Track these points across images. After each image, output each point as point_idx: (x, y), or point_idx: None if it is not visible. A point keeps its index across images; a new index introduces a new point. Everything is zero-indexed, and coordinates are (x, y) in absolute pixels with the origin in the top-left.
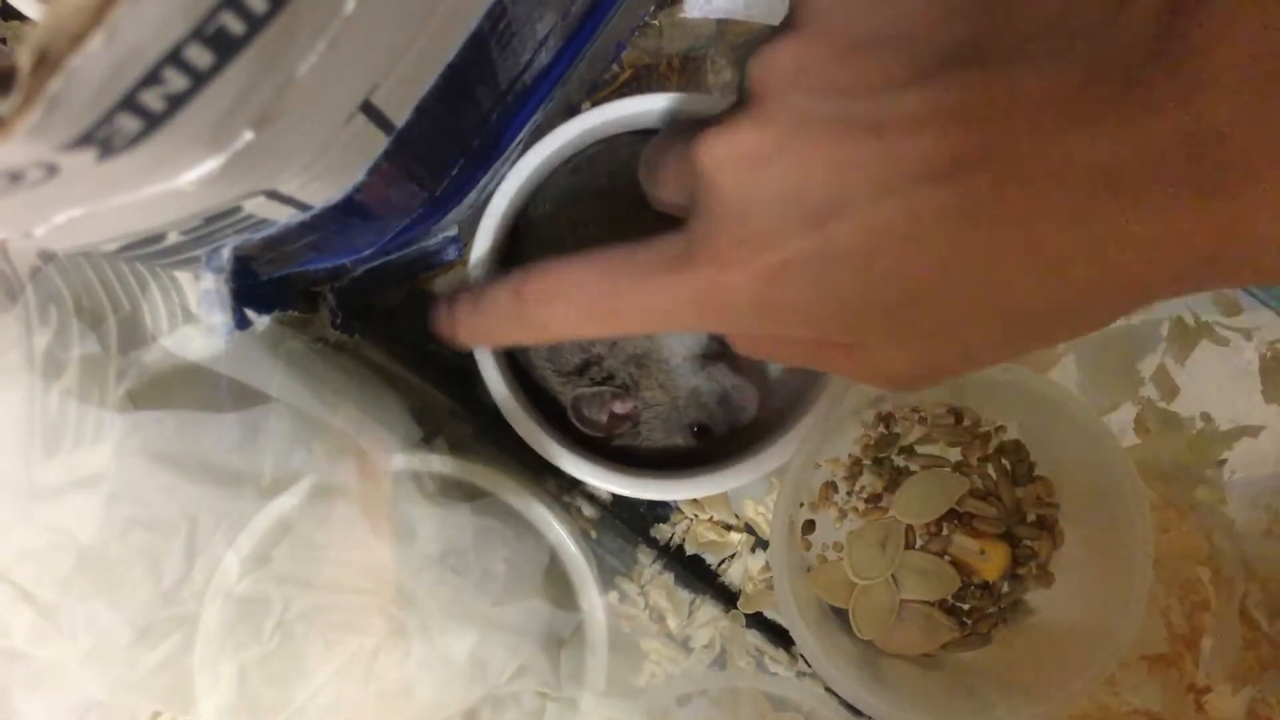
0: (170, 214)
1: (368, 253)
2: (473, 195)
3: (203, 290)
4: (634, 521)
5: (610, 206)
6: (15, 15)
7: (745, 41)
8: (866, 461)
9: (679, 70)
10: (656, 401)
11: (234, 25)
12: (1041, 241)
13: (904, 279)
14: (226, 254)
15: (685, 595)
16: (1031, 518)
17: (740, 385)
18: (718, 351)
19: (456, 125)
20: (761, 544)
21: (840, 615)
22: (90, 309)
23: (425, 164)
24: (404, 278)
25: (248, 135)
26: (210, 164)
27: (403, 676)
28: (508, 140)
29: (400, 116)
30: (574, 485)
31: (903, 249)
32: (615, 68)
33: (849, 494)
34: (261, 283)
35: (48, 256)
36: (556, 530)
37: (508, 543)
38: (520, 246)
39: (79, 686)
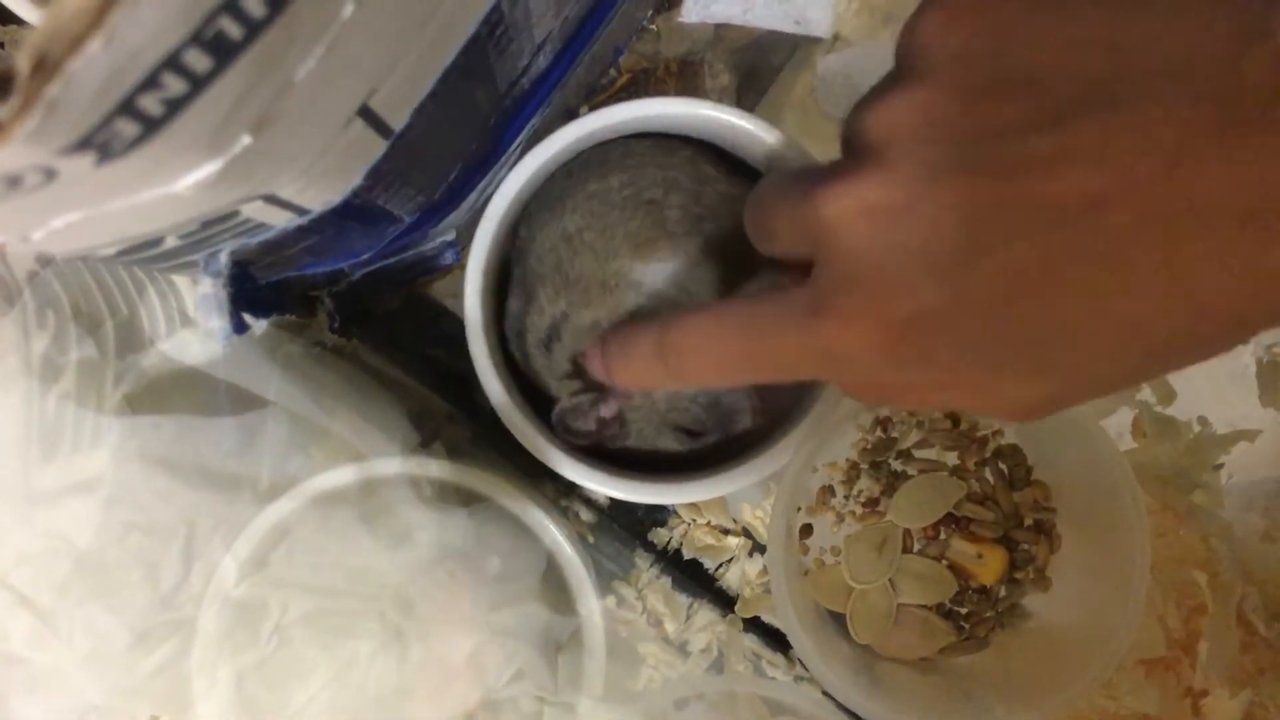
0: (168, 218)
1: (365, 257)
2: (471, 199)
3: (200, 294)
4: (631, 526)
5: (607, 210)
6: (13, 19)
7: (744, 46)
8: (864, 466)
9: (676, 74)
10: (637, 403)
11: (232, 30)
12: (1181, 279)
13: (1039, 322)
14: (224, 258)
15: (683, 599)
16: (1029, 522)
17: (730, 391)
18: None
19: (454, 130)
20: (759, 548)
21: (838, 619)
22: (88, 313)
23: (423, 168)
24: (402, 282)
25: (246, 140)
26: (208, 168)
27: (400, 681)
28: (506, 144)
29: (398, 121)
30: (571, 490)
31: (1039, 293)
32: (613, 72)
33: (846, 498)
34: (259, 287)
35: (45, 261)
36: (554, 534)
37: (505, 547)
38: (519, 251)
39: (77, 691)
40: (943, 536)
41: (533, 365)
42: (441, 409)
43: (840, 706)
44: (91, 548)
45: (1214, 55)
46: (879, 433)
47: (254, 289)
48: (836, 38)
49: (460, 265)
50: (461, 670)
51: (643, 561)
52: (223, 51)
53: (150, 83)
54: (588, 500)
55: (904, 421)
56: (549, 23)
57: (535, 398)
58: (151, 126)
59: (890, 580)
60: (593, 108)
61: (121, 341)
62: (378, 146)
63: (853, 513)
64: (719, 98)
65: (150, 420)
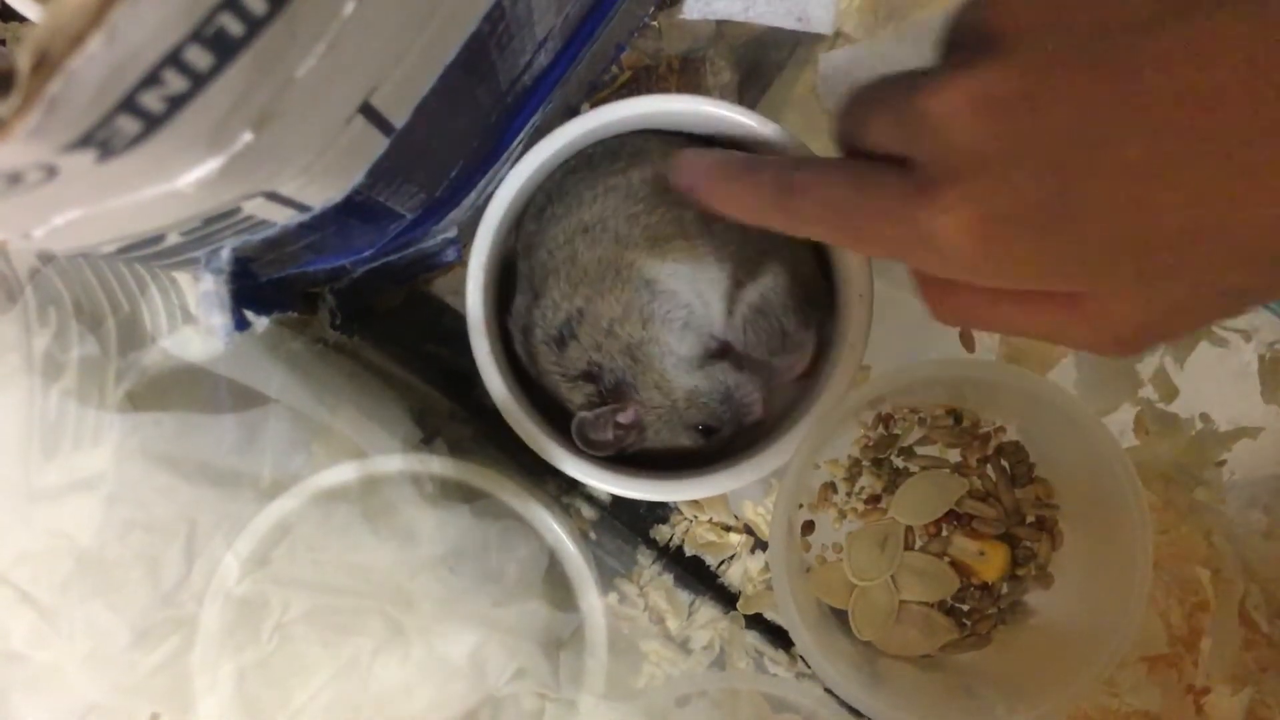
0: (170, 215)
1: (367, 254)
2: (472, 196)
3: (202, 291)
4: (633, 523)
5: (629, 203)
6: (14, 17)
7: (745, 42)
8: (866, 462)
9: (678, 71)
10: (655, 404)
11: (233, 27)
12: None
13: (1154, 222)
14: (226, 255)
15: (684, 596)
16: (1031, 519)
17: (742, 383)
18: (717, 351)
19: (456, 127)
20: (760, 545)
21: (839, 616)
22: (89, 310)
23: (425, 166)
24: (403, 279)
25: (247, 137)
26: (210, 165)
27: (401, 678)
28: (507, 141)
29: (400, 118)
30: (573, 487)
31: (1156, 190)
32: (614, 69)
33: (848, 495)
34: (261, 284)
35: (47, 258)
36: (556, 531)
37: (507, 544)
38: (525, 246)
39: (78, 688)
40: (944, 533)
41: (539, 363)
42: (443, 406)
43: (842, 703)
44: (93, 545)
45: None
46: (881, 429)
47: (255, 286)
48: (838, 34)
49: (462, 262)
50: (463, 668)
51: (644, 558)
52: (224, 49)
53: (151, 80)
54: (589, 497)
55: (906, 418)
56: (550, 20)
57: (537, 395)
58: (152, 124)
59: (892, 577)
60: (594, 105)
61: (123, 339)
62: (379, 144)
63: (854, 510)
64: (720, 95)
65: (152, 417)
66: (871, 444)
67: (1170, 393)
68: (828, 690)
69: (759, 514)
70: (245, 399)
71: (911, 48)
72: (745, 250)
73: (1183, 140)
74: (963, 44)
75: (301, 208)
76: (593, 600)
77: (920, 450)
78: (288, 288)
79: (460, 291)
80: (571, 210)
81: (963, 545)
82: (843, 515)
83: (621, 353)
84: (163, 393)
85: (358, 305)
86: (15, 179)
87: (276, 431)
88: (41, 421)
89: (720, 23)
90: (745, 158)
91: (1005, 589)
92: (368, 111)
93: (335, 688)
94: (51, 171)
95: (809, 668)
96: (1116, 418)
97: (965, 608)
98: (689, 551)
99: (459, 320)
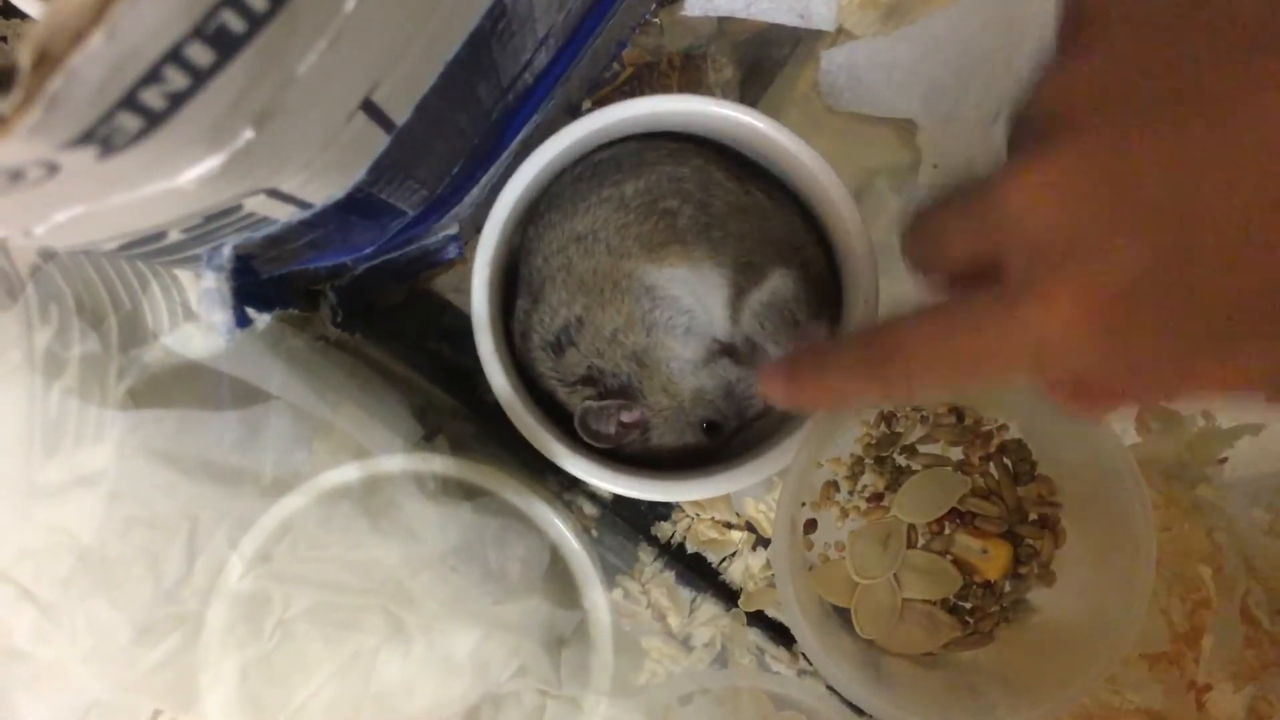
0: (171, 212)
1: (368, 251)
2: (474, 193)
3: (203, 288)
4: (635, 520)
5: (620, 214)
6: (16, 13)
7: (747, 39)
8: (868, 460)
9: (680, 68)
10: (662, 406)
11: (234, 23)
12: None
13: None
14: (227, 252)
15: (686, 594)
16: (1033, 517)
17: (743, 376)
18: (718, 349)
19: (457, 124)
20: (762, 542)
21: (842, 614)
22: (91, 307)
23: (426, 163)
24: (405, 276)
25: (248, 133)
26: (211, 162)
27: (403, 675)
28: (509, 139)
29: (401, 115)
30: (574, 484)
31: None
32: (616, 66)
33: (851, 493)
34: (262, 281)
35: (48, 255)
36: (558, 528)
37: (509, 541)
38: (526, 250)
39: (80, 685)
40: (947, 531)
41: (537, 368)
42: (445, 403)
43: (844, 701)
44: (94, 542)
45: None
46: (883, 428)
47: (257, 283)
48: (840, 31)
49: (463, 259)
50: (464, 665)
51: (646, 556)
52: (225, 45)
53: (152, 77)
54: (591, 494)
55: (908, 416)
56: (552, 16)
57: (539, 392)
58: (153, 120)
59: (895, 575)
60: (596, 102)
61: (125, 336)
62: (380, 140)
63: (857, 508)
64: (722, 92)
65: (153, 414)
66: (874, 442)
67: None
68: (830, 688)
69: (760, 511)
70: (246, 396)
71: (913, 45)
72: (746, 256)
73: None
74: (1030, 133)
75: (303, 205)
76: (597, 597)
77: (923, 448)
78: (289, 285)
79: (461, 289)
80: (566, 218)
81: (965, 543)
82: (845, 513)
83: (627, 359)
84: (164, 390)
85: (359, 302)
86: (16, 176)
87: (278, 428)
88: (43, 418)
89: (722, 19)
90: (817, 348)
91: (1008, 587)
92: (369, 108)
93: (337, 685)
94: (53, 168)
95: (811, 665)
96: (1118, 415)
97: (968, 606)
98: (690, 549)
99: (460, 317)
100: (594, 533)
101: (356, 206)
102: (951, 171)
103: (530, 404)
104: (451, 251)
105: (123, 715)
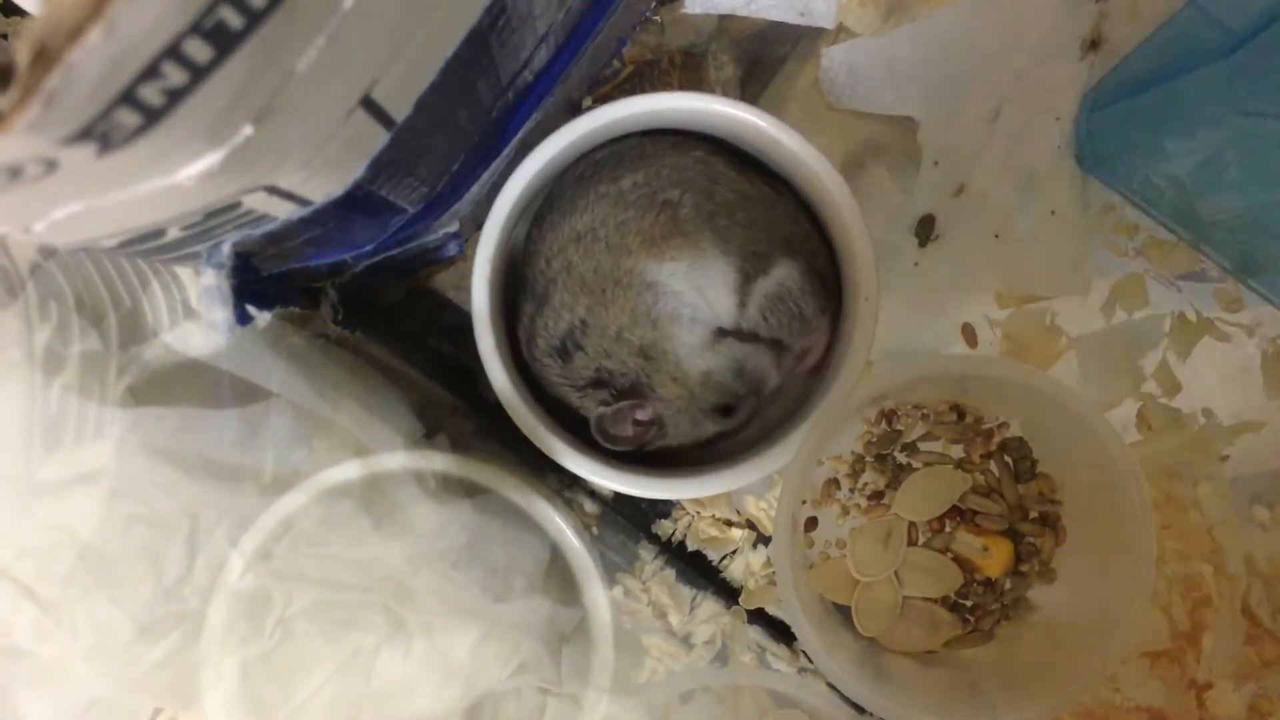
0: (170, 209)
1: (368, 248)
2: (474, 191)
3: (204, 286)
4: (635, 517)
5: (619, 210)
6: (15, 11)
7: (748, 37)
8: (869, 458)
9: (680, 66)
10: (673, 396)
11: (233, 19)
12: None
13: None
14: (227, 250)
15: (687, 591)
16: (1034, 514)
17: (751, 353)
18: (723, 329)
19: (457, 121)
20: (763, 540)
21: (843, 612)
22: (91, 305)
23: (425, 160)
24: (405, 274)
25: (247, 130)
26: (210, 159)
27: (404, 673)
28: (509, 136)
29: (400, 112)
30: (575, 481)
31: None
32: (616, 63)
33: (851, 491)
34: (262, 278)
35: (48, 252)
36: (559, 526)
37: (509, 539)
38: (529, 253)
39: (80, 683)
40: (948, 529)
41: (547, 376)
42: (445, 401)
43: (845, 699)
44: (95, 540)
45: None
46: (884, 426)
47: (257, 281)
48: (840, 28)
49: (464, 257)
50: (465, 663)
51: (646, 553)
52: (223, 41)
53: (150, 73)
54: (591, 492)
55: (909, 414)
56: (552, 14)
57: (539, 390)
58: (152, 117)
59: (895, 573)
60: (597, 100)
61: (125, 333)
62: (380, 137)
63: (858, 505)
64: (723, 89)
65: (153, 412)
66: (875, 440)
67: (1173, 387)
68: (831, 686)
69: (761, 509)
70: (247, 394)
71: (914, 42)
72: (753, 244)
73: None
74: None
75: (302, 202)
76: (597, 594)
77: (923, 446)
78: (289, 282)
79: (462, 286)
80: (566, 218)
81: (966, 541)
82: (846, 511)
83: (633, 355)
84: (164, 387)
85: (359, 300)
86: (15, 172)
87: (278, 426)
88: (43, 416)
89: (722, 17)
90: None
91: (1008, 585)
92: (368, 105)
93: (338, 683)
94: (51, 165)
95: (812, 663)
96: (1119, 413)
97: (968, 604)
98: (691, 546)
99: (460, 315)
100: (594, 530)
101: (356, 204)
102: (952, 169)
103: (531, 401)
104: (452, 249)
105: (123, 713)
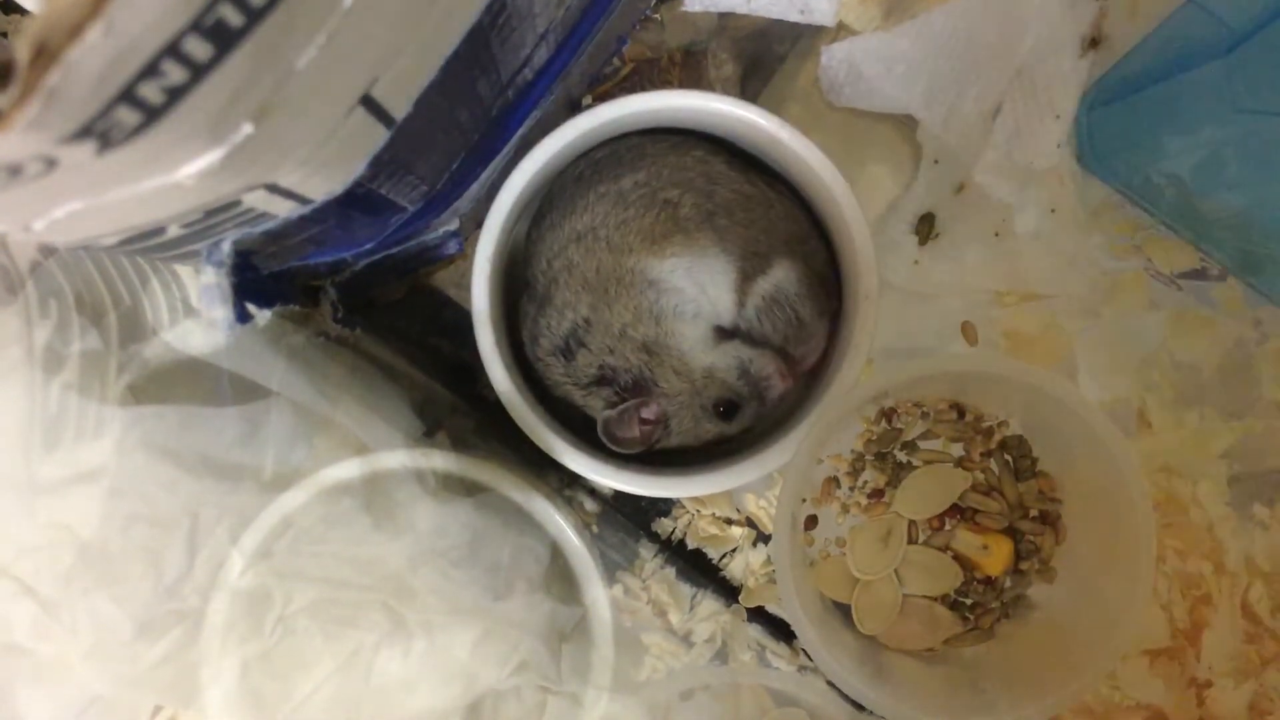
0: (170, 208)
1: (368, 247)
2: (474, 190)
3: (203, 284)
4: (635, 516)
5: (619, 209)
6: (15, 9)
7: (747, 35)
8: (869, 457)
9: (680, 64)
10: (676, 391)
11: (233, 17)
12: None
13: None
14: (227, 248)
15: (687, 589)
16: (1034, 513)
17: (756, 357)
18: (728, 330)
19: (457, 119)
20: (763, 538)
21: (843, 610)
22: (91, 303)
23: (425, 158)
24: (405, 272)
25: (247, 128)
26: (210, 157)
27: (404, 672)
28: (509, 134)
29: (400, 110)
30: (575, 480)
31: None
32: (616, 62)
33: (851, 489)
34: (262, 277)
35: (48, 251)
36: (558, 524)
37: (509, 538)
38: (530, 254)
39: (81, 681)
40: (948, 527)
41: (550, 376)
42: (445, 399)
43: (845, 697)
44: (95, 538)
45: None
46: (884, 424)
47: (257, 279)
48: (840, 26)
49: (463, 255)
50: (465, 661)
51: (646, 552)
52: (223, 39)
53: (150, 71)
54: (591, 491)
55: (909, 413)
56: (552, 12)
57: (542, 390)
58: (152, 115)
59: (895, 571)
60: (597, 98)
61: (125, 331)
62: (380, 135)
63: (858, 504)
64: (723, 87)
65: (153, 410)
66: (875, 438)
67: (1172, 386)
68: (830, 684)
69: (761, 507)
70: (247, 392)
71: (913, 40)
72: (752, 244)
73: None
74: None
75: (302, 200)
76: (598, 593)
77: (923, 444)
78: (289, 281)
79: (462, 285)
80: (566, 218)
81: (966, 539)
82: (846, 509)
83: (637, 351)
84: (164, 386)
85: (359, 298)
86: (15, 171)
87: (278, 424)
88: (43, 414)
89: (722, 15)
90: None
91: (1008, 583)
92: (368, 103)
93: (338, 680)
94: (51, 163)
95: (812, 661)
96: (1119, 411)
97: (968, 602)
98: (691, 545)
99: (460, 313)
100: (594, 529)
101: (356, 202)
102: (952, 167)
103: (531, 400)
104: (452, 247)
105: (124, 711)
